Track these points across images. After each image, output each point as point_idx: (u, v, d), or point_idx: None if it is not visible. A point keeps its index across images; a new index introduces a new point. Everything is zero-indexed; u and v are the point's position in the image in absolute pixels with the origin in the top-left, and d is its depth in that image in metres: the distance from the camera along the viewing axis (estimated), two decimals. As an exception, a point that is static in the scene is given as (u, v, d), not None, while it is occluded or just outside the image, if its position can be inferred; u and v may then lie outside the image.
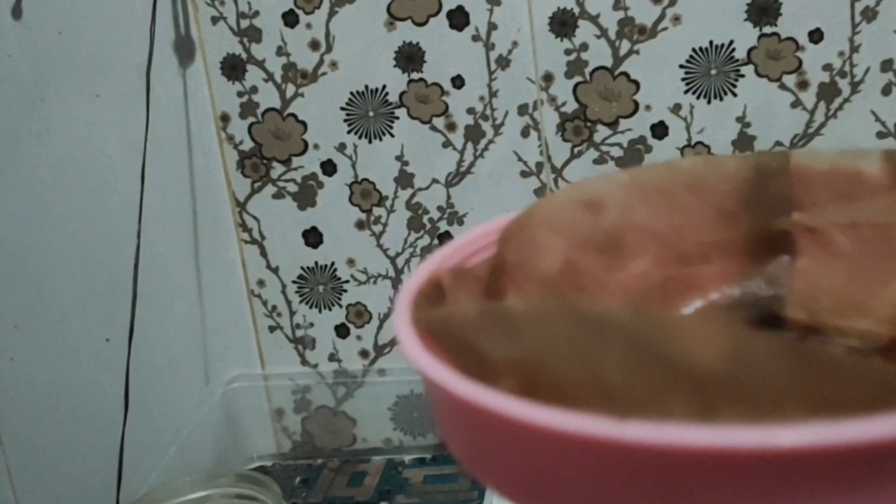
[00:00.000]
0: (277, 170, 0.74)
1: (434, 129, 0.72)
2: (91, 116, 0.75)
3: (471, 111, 0.71)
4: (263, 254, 0.77)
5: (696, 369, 0.13)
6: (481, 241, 0.22)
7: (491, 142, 0.71)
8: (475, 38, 0.69)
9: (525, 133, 0.71)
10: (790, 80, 0.66)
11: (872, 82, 0.66)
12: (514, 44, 0.69)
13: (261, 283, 0.78)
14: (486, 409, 0.14)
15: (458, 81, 0.70)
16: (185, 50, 0.72)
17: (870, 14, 0.64)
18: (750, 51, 0.66)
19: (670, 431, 0.12)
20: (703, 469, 0.13)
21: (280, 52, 0.71)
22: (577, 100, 0.69)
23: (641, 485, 0.13)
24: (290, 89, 0.72)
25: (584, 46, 0.68)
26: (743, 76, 0.67)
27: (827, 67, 0.66)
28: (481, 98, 0.71)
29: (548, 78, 0.69)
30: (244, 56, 0.72)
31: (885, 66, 0.65)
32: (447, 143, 0.72)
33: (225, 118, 0.74)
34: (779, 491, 0.13)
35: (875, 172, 0.21)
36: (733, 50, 0.66)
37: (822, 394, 0.12)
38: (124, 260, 0.75)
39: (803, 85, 0.66)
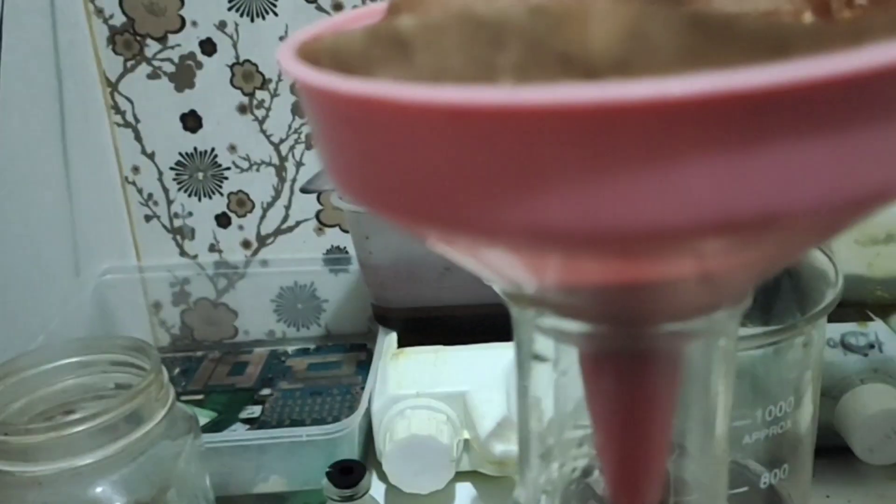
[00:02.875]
0: (152, 48, 0.70)
1: (320, 8, 0.69)
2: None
3: (358, -9, 0.69)
4: (138, 138, 0.73)
5: (590, 57, 0.13)
6: (370, 17, 0.21)
7: (379, 24, 0.70)
8: (363, -88, 0.67)
9: (414, 16, 0.69)
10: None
11: None
12: (404, -79, 0.67)
13: (135, 169, 0.74)
14: (370, 96, 0.13)
15: (345, -41, 0.68)
16: None
17: None
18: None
19: (562, 91, 0.12)
20: (595, 131, 0.12)
21: (154, -83, 0.67)
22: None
23: (532, 158, 0.13)
24: (166, -40, 0.68)
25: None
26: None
27: None
28: (369, -23, 0.68)
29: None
30: (114, -80, 0.67)
31: None
32: (333, 25, 0.70)
33: (93, -11, 0.69)
34: (665, 156, 0.12)
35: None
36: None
37: (720, 54, 0.12)
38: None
39: None
